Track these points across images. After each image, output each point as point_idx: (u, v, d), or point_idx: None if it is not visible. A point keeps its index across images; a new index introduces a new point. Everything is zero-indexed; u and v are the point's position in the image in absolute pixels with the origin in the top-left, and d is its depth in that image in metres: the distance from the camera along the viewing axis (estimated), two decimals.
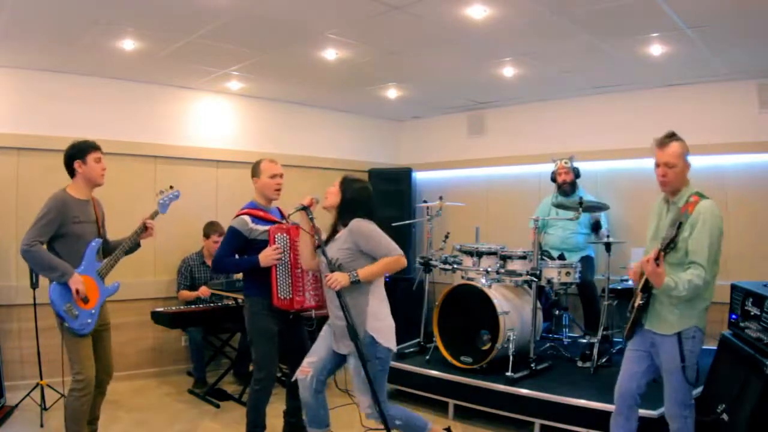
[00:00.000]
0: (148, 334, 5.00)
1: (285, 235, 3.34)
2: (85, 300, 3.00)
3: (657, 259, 2.48)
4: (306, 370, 2.98)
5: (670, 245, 2.49)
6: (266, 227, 3.36)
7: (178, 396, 4.58)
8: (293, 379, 3.11)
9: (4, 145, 4.43)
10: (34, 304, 4.05)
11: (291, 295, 3.31)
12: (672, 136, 2.71)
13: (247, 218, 3.38)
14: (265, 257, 3.26)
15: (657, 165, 2.70)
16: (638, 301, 2.70)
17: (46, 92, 4.61)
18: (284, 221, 3.54)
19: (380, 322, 2.91)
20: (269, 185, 3.46)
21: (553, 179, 5.08)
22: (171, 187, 3.39)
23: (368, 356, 2.80)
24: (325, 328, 3.11)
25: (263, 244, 3.32)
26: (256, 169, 3.52)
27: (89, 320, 3.02)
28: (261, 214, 3.43)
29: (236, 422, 3.97)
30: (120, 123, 4.92)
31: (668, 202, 2.77)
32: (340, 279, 2.82)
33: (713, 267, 2.58)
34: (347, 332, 2.79)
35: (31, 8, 3.38)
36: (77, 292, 2.93)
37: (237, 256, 3.41)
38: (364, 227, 2.92)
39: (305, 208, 3.06)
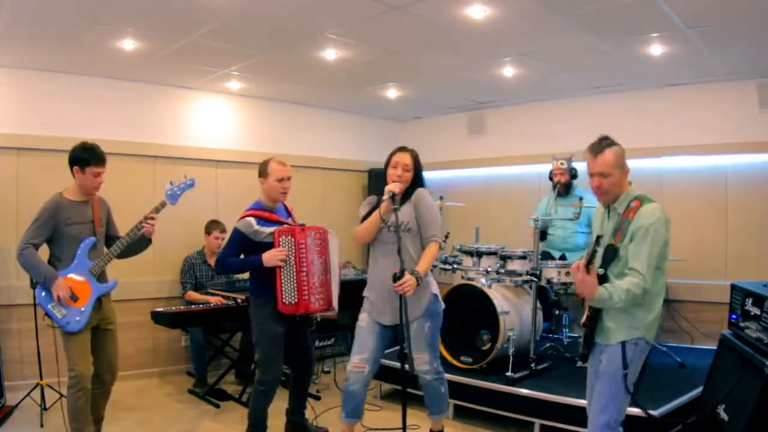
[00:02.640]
0: (148, 334, 5.00)
1: (290, 237, 3.30)
2: (74, 298, 3.05)
3: (587, 269, 2.32)
4: (361, 367, 3.06)
5: (592, 258, 2.33)
6: (272, 229, 3.32)
7: (178, 396, 4.59)
8: (347, 373, 3.13)
9: (4, 145, 4.43)
10: (34, 304, 4.01)
11: (297, 299, 3.28)
12: (605, 143, 2.53)
13: (252, 220, 3.33)
14: (269, 257, 3.24)
15: (591, 175, 2.55)
16: (587, 314, 2.56)
17: (46, 92, 4.61)
18: (290, 220, 3.53)
19: (435, 283, 3.21)
20: (276, 188, 3.39)
21: (551, 178, 5.07)
22: (185, 177, 3.36)
23: (433, 313, 3.10)
24: (365, 318, 3.13)
25: (269, 246, 3.29)
26: (263, 169, 3.42)
27: (78, 318, 3.05)
28: (266, 215, 3.39)
29: (236, 422, 3.97)
30: (120, 123, 4.92)
31: (609, 208, 2.62)
32: (411, 284, 2.88)
33: (657, 274, 2.43)
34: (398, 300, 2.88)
35: (31, 8, 3.37)
36: (58, 298, 3.00)
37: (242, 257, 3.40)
38: (428, 197, 3.14)
39: (394, 197, 2.98)
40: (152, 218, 3.18)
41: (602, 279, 2.43)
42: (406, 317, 2.82)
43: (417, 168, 3.15)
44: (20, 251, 3.00)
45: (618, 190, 2.54)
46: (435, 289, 3.18)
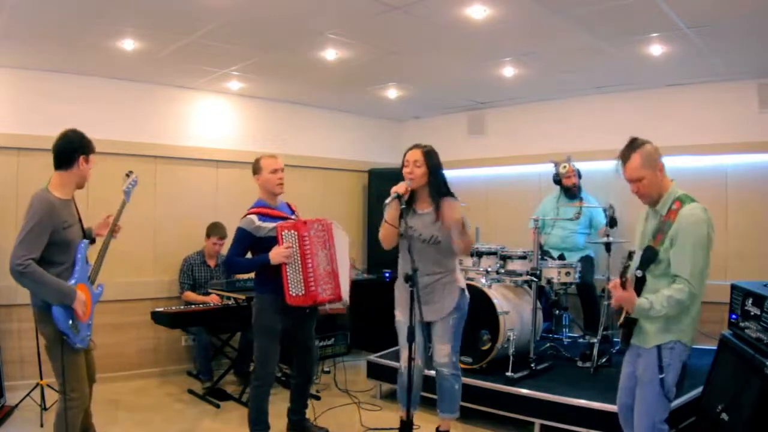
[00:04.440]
0: (148, 334, 5.00)
1: (292, 231, 3.34)
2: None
3: (623, 285, 2.37)
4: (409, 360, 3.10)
5: (624, 272, 2.37)
6: (274, 224, 3.37)
7: (178, 396, 4.58)
8: (400, 369, 3.17)
9: (4, 145, 4.43)
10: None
11: (304, 291, 3.32)
12: (631, 147, 2.50)
13: (253, 217, 3.39)
14: (276, 254, 3.28)
15: (628, 182, 2.57)
16: (622, 318, 2.58)
17: (46, 92, 4.61)
18: (293, 216, 3.55)
19: (462, 278, 3.26)
20: (271, 180, 3.47)
21: (556, 181, 5.07)
22: (129, 174, 3.18)
23: (460, 307, 3.15)
24: (403, 321, 3.10)
25: (273, 241, 3.33)
26: (256, 167, 3.52)
27: (87, 332, 2.80)
28: (268, 211, 3.45)
29: (236, 422, 3.97)
30: (120, 123, 4.92)
31: (651, 209, 2.61)
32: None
33: (701, 277, 2.42)
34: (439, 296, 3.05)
35: (31, 8, 3.38)
36: (74, 310, 2.66)
37: (249, 256, 3.42)
38: (460, 210, 3.14)
39: (399, 197, 3.03)
40: (119, 227, 3.03)
41: (640, 281, 2.46)
42: (420, 315, 2.85)
43: (430, 163, 3.15)
44: (22, 269, 2.49)
45: (657, 191, 2.51)
46: (463, 284, 3.24)
